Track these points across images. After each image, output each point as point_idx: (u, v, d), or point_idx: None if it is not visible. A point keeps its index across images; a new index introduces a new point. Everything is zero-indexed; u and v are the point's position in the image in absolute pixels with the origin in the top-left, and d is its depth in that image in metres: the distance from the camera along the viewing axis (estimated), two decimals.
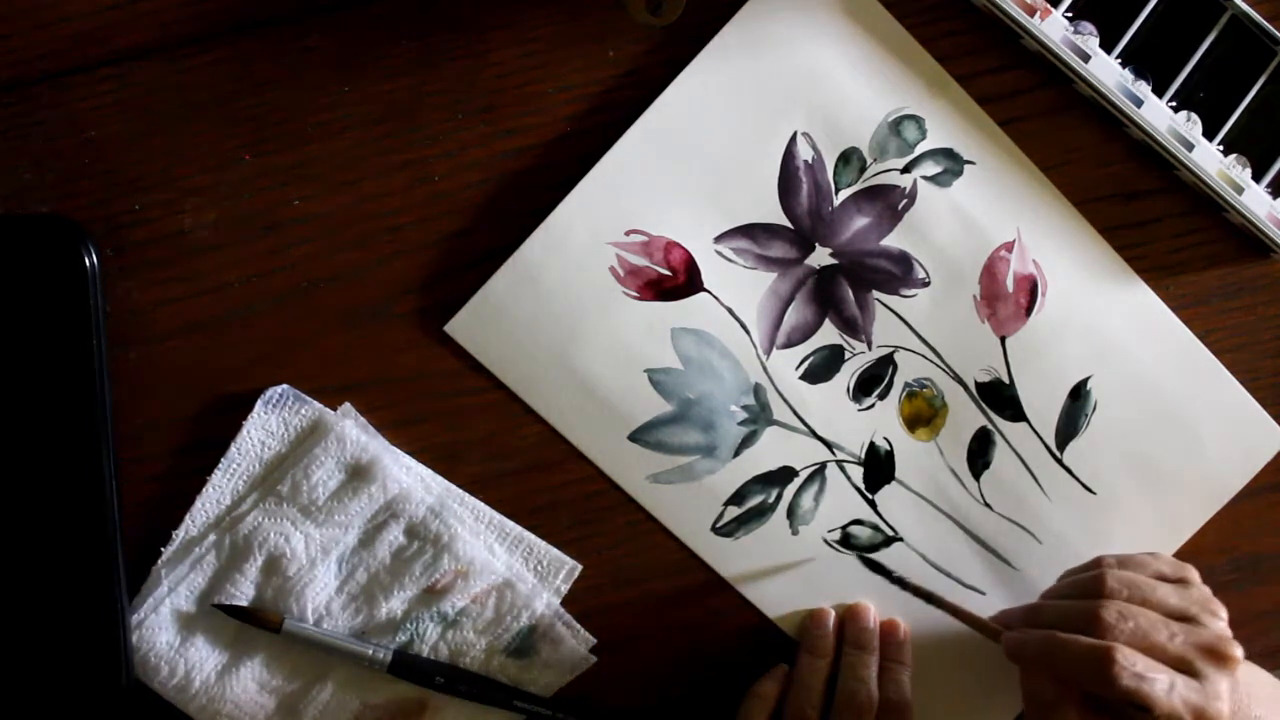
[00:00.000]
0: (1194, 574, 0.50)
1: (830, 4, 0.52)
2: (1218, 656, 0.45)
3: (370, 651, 0.51)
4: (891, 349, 0.54)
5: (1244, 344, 0.55)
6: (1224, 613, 0.47)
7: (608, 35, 0.52)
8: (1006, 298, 0.54)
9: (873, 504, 0.54)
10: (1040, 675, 0.47)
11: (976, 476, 0.54)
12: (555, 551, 0.53)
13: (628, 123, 0.51)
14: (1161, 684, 0.44)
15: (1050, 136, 0.53)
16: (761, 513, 0.53)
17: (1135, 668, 0.44)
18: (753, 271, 0.53)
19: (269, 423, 0.51)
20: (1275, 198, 0.52)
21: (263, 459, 0.51)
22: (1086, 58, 0.51)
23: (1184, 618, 0.47)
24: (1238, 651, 0.46)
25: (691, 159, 0.52)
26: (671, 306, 0.52)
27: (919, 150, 0.53)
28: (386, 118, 0.51)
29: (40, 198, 0.50)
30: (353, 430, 0.51)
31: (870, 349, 0.54)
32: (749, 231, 0.53)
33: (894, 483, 0.54)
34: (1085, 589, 0.49)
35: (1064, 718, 0.46)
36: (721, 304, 0.53)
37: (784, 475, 0.54)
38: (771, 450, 0.53)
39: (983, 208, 0.53)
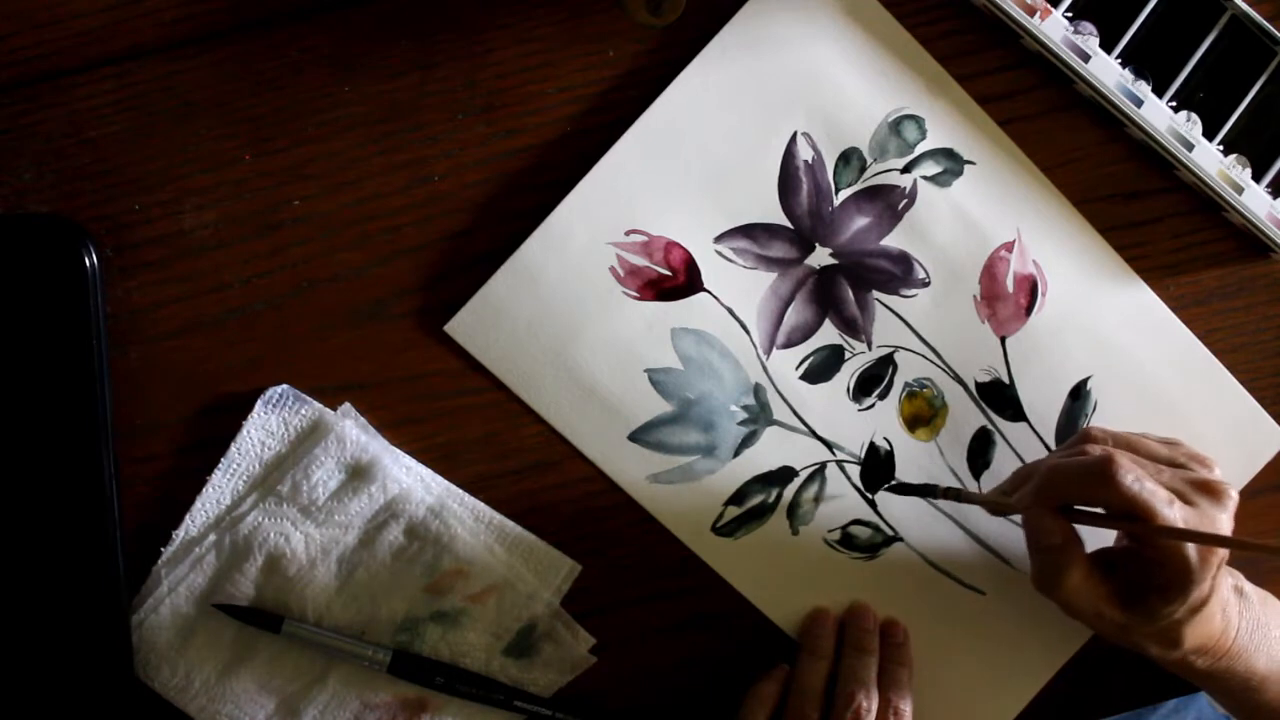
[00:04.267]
0: (1183, 441, 0.50)
1: (830, 4, 0.52)
2: (1211, 490, 0.46)
3: (370, 651, 0.51)
4: (891, 349, 0.54)
5: (1244, 344, 0.55)
6: (1216, 466, 0.48)
7: (608, 35, 0.52)
8: (1006, 298, 0.54)
9: (873, 504, 0.54)
10: (1046, 522, 0.46)
11: (976, 476, 0.54)
12: (555, 551, 0.53)
13: (628, 123, 0.51)
14: (1162, 495, 0.44)
15: (1050, 136, 0.53)
16: (761, 513, 0.53)
17: (1136, 473, 0.44)
18: (753, 271, 0.53)
19: (269, 423, 0.51)
20: (1275, 198, 0.52)
21: (263, 459, 0.51)
22: (1086, 58, 0.51)
23: (1172, 465, 0.48)
24: (1232, 490, 0.46)
25: (691, 159, 0.52)
26: (671, 306, 0.52)
27: (919, 150, 0.53)
28: (386, 118, 0.51)
29: (40, 198, 0.50)
30: (353, 430, 0.51)
31: (870, 349, 0.54)
32: (749, 231, 0.53)
33: (894, 483, 0.54)
34: (1072, 447, 0.50)
35: (1069, 559, 0.46)
36: (721, 304, 0.53)
37: (784, 475, 0.54)
38: (771, 450, 0.53)
39: (983, 208, 0.53)
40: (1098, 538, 0.49)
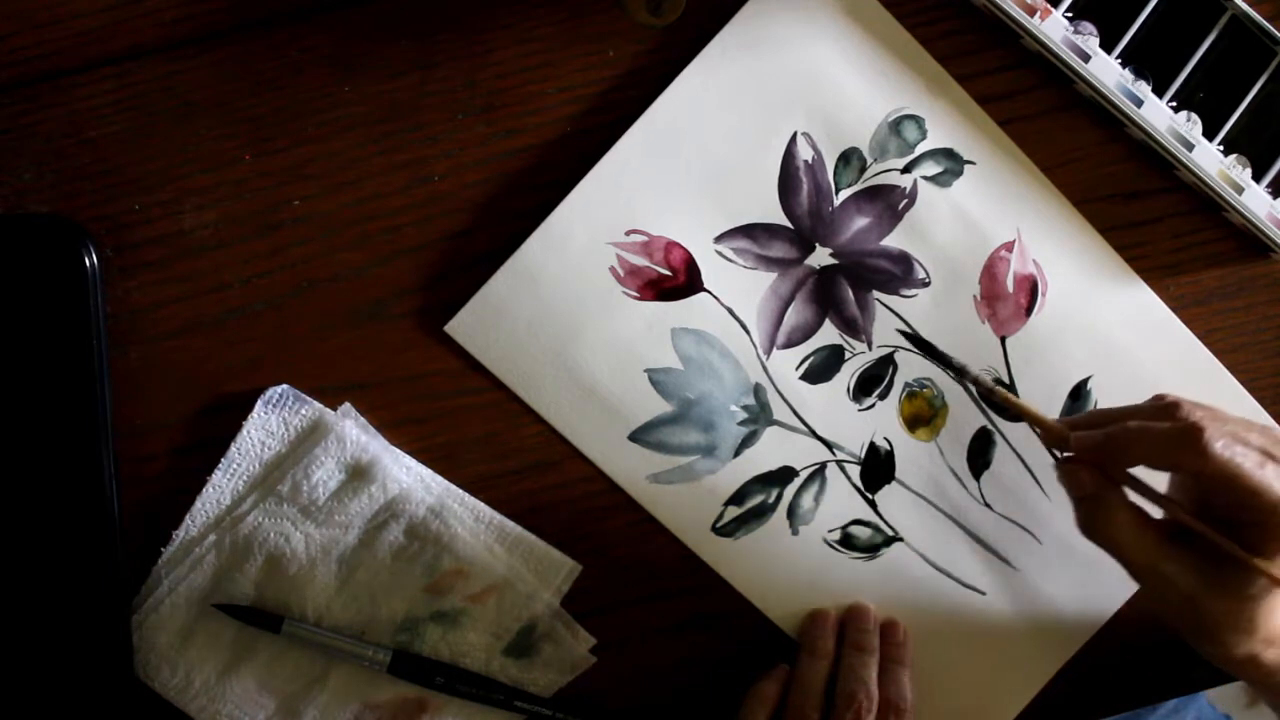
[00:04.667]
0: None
1: (830, 4, 0.52)
2: None
3: (370, 651, 0.51)
4: (891, 349, 0.54)
5: (1244, 344, 0.55)
6: None
7: (608, 35, 0.52)
8: (1006, 298, 0.54)
9: (873, 504, 0.54)
10: (1080, 475, 0.46)
11: (977, 476, 0.54)
12: (555, 551, 0.53)
13: (628, 123, 0.51)
14: (1253, 459, 0.43)
15: (1050, 136, 0.53)
16: (761, 513, 0.53)
17: (1226, 438, 0.43)
18: (753, 271, 0.53)
19: (269, 423, 0.51)
20: (1275, 198, 0.52)
21: (263, 459, 0.51)
22: (1086, 58, 0.51)
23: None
24: None
25: (691, 159, 0.52)
26: (671, 306, 0.52)
27: (919, 150, 0.53)
28: (386, 118, 0.51)
29: (40, 198, 0.50)
30: (353, 430, 0.51)
31: (870, 349, 0.54)
32: (749, 231, 0.53)
33: (894, 483, 0.54)
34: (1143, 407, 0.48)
35: (1111, 501, 0.45)
36: (721, 304, 0.53)
37: (784, 475, 0.54)
38: (771, 450, 0.53)
39: (983, 208, 0.53)
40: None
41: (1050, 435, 0.49)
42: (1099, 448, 0.46)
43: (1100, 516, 0.46)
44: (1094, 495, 0.46)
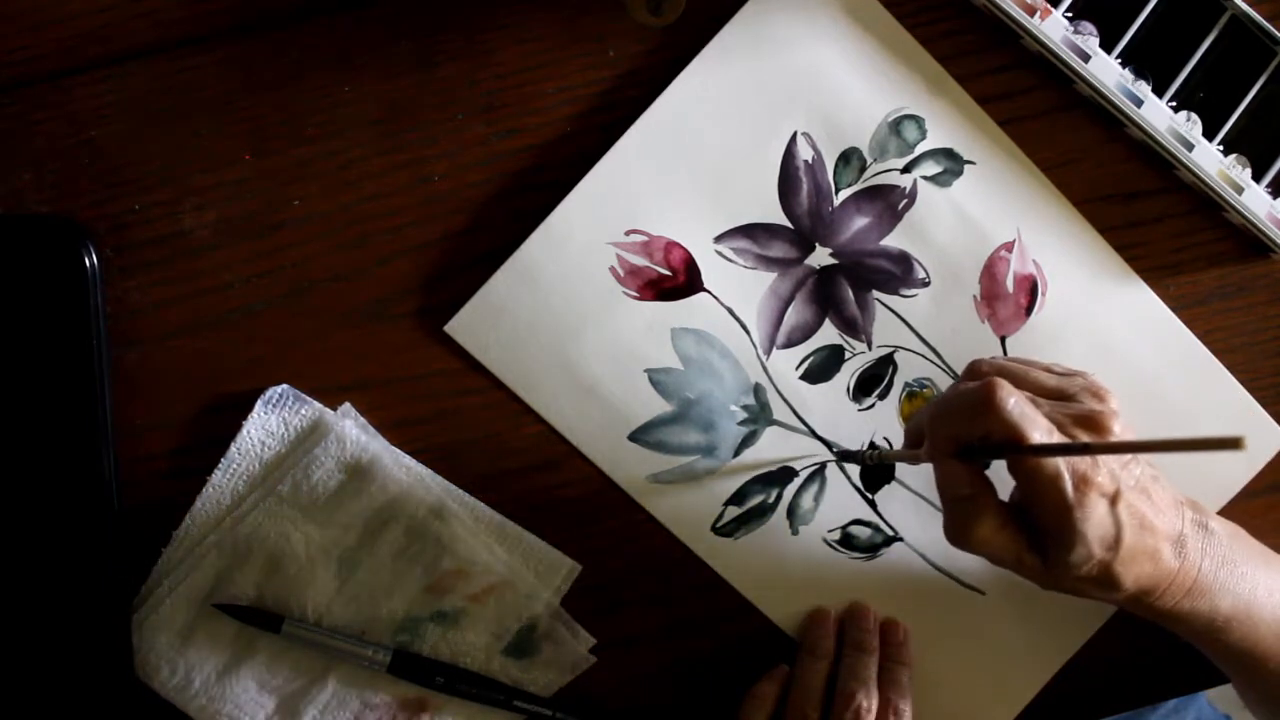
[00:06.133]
0: (1087, 373, 0.47)
1: (830, 4, 0.52)
2: (1092, 424, 0.43)
3: (370, 651, 0.51)
4: (891, 349, 0.54)
5: (1244, 344, 0.55)
6: (1113, 400, 0.45)
7: (608, 35, 0.52)
8: (1006, 298, 0.54)
9: (873, 504, 0.54)
10: (953, 471, 0.44)
11: None
12: (555, 551, 0.53)
13: (628, 123, 0.51)
14: (1042, 424, 0.42)
15: (1050, 136, 0.53)
16: (761, 513, 0.53)
17: (1018, 400, 0.42)
18: (753, 271, 0.53)
19: (269, 423, 0.51)
20: (1275, 198, 0.52)
21: (263, 459, 0.51)
22: (1086, 58, 0.51)
23: (1062, 397, 0.45)
24: (1116, 424, 0.43)
25: (692, 159, 0.52)
26: (671, 306, 0.52)
27: (919, 150, 0.53)
28: (386, 118, 0.51)
29: (40, 198, 0.50)
30: (353, 430, 0.51)
31: (870, 349, 0.54)
32: (749, 231, 0.53)
33: (894, 482, 0.54)
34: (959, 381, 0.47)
35: (980, 509, 0.44)
36: (721, 304, 0.53)
37: (784, 475, 0.54)
38: (771, 450, 0.53)
39: (983, 208, 0.53)
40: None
41: (915, 462, 0.48)
42: (932, 444, 0.44)
43: (971, 522, 0.44)
44: (969, 495, 0.44)
